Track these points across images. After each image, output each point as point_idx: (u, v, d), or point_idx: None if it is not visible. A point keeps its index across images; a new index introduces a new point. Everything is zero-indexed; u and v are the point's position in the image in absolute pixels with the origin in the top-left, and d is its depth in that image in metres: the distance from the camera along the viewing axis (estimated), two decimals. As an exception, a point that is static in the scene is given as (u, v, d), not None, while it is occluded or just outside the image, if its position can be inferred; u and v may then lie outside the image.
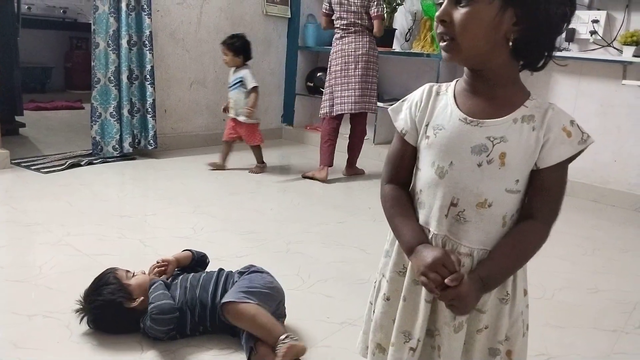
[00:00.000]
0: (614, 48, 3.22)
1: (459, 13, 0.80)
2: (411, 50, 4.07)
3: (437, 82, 3.86)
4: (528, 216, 0.87)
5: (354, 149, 3.62)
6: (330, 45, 4.61)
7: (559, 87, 3.49)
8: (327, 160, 3.46)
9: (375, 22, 3.37)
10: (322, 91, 4.53)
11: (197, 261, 1.73)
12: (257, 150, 3.55)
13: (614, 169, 3.35)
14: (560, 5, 0.80)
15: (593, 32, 3.23)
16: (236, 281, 1.54)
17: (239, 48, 3.38)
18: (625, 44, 3.05)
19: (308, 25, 4.62)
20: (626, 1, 3.16)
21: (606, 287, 2.09)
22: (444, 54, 0.85)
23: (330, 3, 3.45)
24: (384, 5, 3.52)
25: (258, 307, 1.42)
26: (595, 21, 3.22)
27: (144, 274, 1.59)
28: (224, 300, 1.44)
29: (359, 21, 3.39)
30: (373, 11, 3.34)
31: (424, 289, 0.89)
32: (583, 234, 2.72)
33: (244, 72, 3.39)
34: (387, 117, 1.01)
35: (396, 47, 4.20)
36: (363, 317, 1.06)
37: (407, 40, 4.20)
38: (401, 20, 4.21)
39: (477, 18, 0.79)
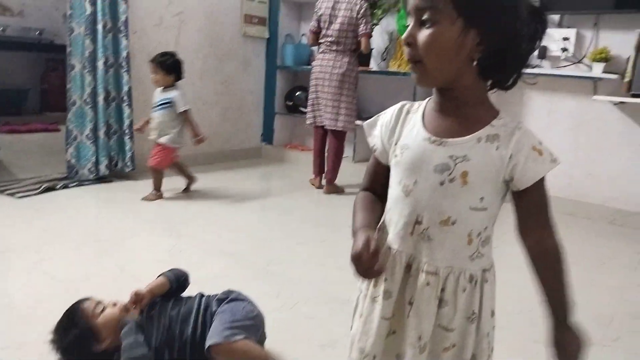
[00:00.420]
0: (585, 65, 3.31)
1: (423, 34, 0.81)
2: (388, 69, 4.12)
3: (413, 99, 3.89)
4: (539, 240, 0.89)
5: (329, 166, 3.67)
6: (309, 64, 4.68)
7: (532, 103, 3.56)
8: (316, 169, 3.73)
9: (363, 40, 3.47)
10: (301, 110, 4.58)
11: (176, 289, 1.63)
12: (158, 176, 3.24)
13: (588, 183, 3.42)
14: (529, 23, 0.82)
15: (564, 49, 3.32)
16: (215, 311, 1.49)
17: (170, 66, 3.15)
18: (595, 60, 3.14)
19: (286, 45, 4.66)
20: (594, 19, 3.26)
21: (584, 301, 2.08)
22: (413, 77, 0.87)
23: (318, 20, 3.54)
24: (372, 24, 3.63)
25: (247, 342, 1.40)
26: (566, 39, 3.31)
27: (115, 305, 1.48)
28: (211, 342, 1.38)
29: (343, 39, 3.48)
30: (362, 29, 3.45)
31: (380, 306, 0.91)
32: (560, 248, 2.75)
33: (175, 94, 3.16)
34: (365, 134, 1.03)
35: (373, 66, 4.25)
36: (345, 337, 1.06)
37: (384, 60, 4.26)
38: (378, 40, 4.26)
39: (440, 39, 0.80)
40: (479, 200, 0.86)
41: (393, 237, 0.92)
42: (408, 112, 0.93)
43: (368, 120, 1.00)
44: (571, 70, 3.35)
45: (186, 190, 3.43)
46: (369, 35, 3.48)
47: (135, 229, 2.66)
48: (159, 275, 1.63)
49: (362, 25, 3.44)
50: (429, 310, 0.88)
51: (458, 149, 0.85)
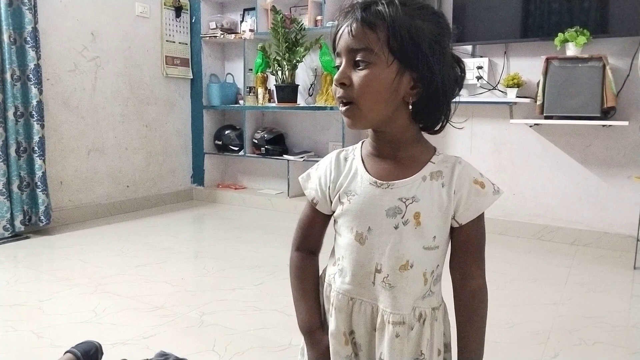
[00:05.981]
0: (499, 91, 3.48)
1: (358, 76, 0.78)
2: (315, 105, 4.15)
3: (342, 132, 3.88)
4: (466, 276, 0.86)
5: None
6: (236, 103, 4.64)
7: (455, 129, 3.68)
8: None
9: None
10: (232, 149, 4.50)
11: None
12: None
13: (513, 202, 3.55)
14: (452, 69, 0.82)
15: (479, 77, 3.48)
16: None
17: None
18: (508, 86, 3.30)
19: (211, 85, 4.60)
20: (504, 48, 3.45)
21: (521, 320, 2.14)
22: (345, 119, 0.84)
23: None
24: None
25: None
26: (480, 67, 3.47)
27: None
28: None
29: None
30: None
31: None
32: (495, 268, 2.81)
33: None
34: (299, 169, 1.00)
35: (301, 102, 4.26)
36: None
37: (310, 95, 4.29)
38: (303, 76, 4.30)
39: (375, 81, 0.78)
40: (432, 239, 0.84)
41: (349, 288, 0.87)
42: (346, 159, 0.91)
43: (302, 175, 0.97)
44: (487, 97, 3.51)
45: None
46: None
47: (54, 289, 2.45)
48: (66, 352, 1.47)
49: None
50: None
51: (406, 190, 0.83)
